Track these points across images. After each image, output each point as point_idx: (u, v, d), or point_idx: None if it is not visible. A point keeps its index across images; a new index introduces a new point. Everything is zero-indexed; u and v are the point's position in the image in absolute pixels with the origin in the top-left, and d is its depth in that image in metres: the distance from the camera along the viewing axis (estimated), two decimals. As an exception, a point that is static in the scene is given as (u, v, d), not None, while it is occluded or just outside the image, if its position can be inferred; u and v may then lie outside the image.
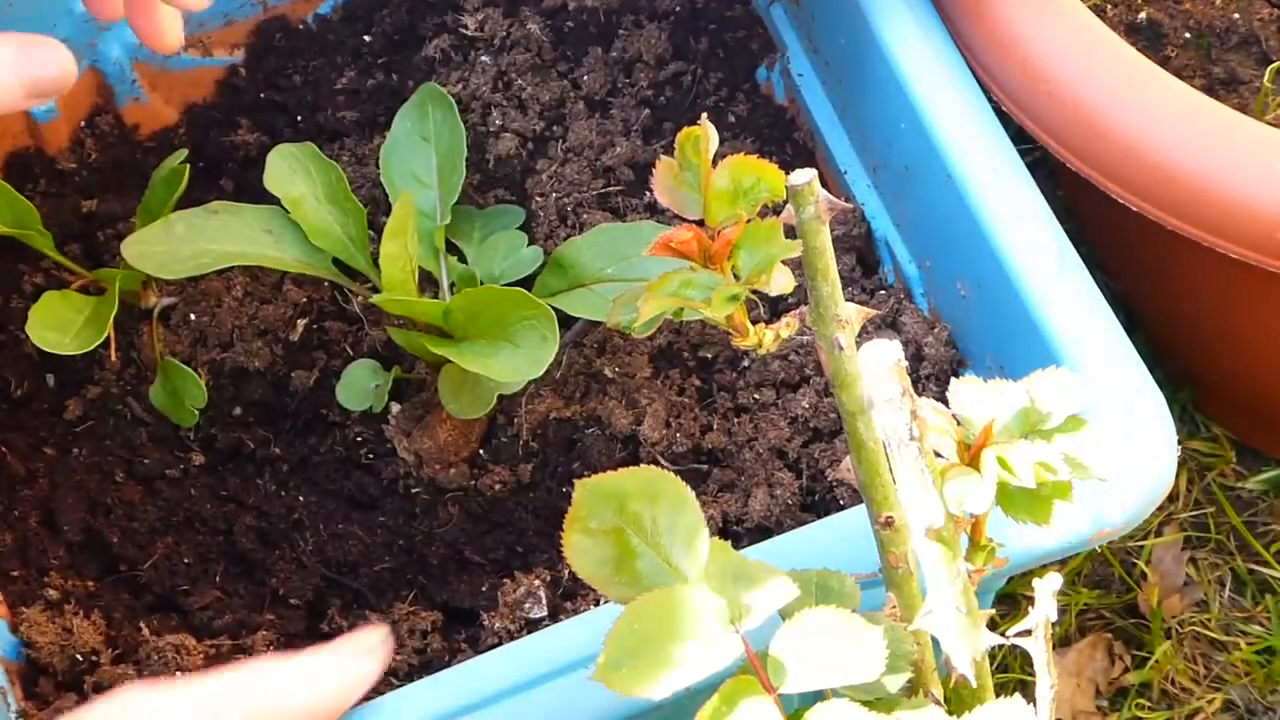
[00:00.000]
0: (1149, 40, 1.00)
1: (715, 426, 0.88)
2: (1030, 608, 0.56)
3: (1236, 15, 1.01)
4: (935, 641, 0.59)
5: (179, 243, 0.87)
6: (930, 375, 0.87)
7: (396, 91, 0.97)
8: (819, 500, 0.85)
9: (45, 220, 0.89)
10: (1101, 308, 0.79)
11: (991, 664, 0.75)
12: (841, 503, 0.84)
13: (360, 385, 0.89)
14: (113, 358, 0.90)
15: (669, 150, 0.60)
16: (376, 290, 0.90)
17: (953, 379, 0.61)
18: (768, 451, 0.86)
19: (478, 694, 0.70)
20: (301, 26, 1.01)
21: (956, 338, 0.88)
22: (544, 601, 0.82)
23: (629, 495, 0.60)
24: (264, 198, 0.91)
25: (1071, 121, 0.87)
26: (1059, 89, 0.87)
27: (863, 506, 0.60)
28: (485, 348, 0.82)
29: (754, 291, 0.58)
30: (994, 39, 0.89)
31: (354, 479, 0.88)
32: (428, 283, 0.90)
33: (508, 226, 0.93)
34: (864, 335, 0.81)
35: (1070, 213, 0.85)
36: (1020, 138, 0.88)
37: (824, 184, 0.56)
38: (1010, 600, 1.05)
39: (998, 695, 0.59)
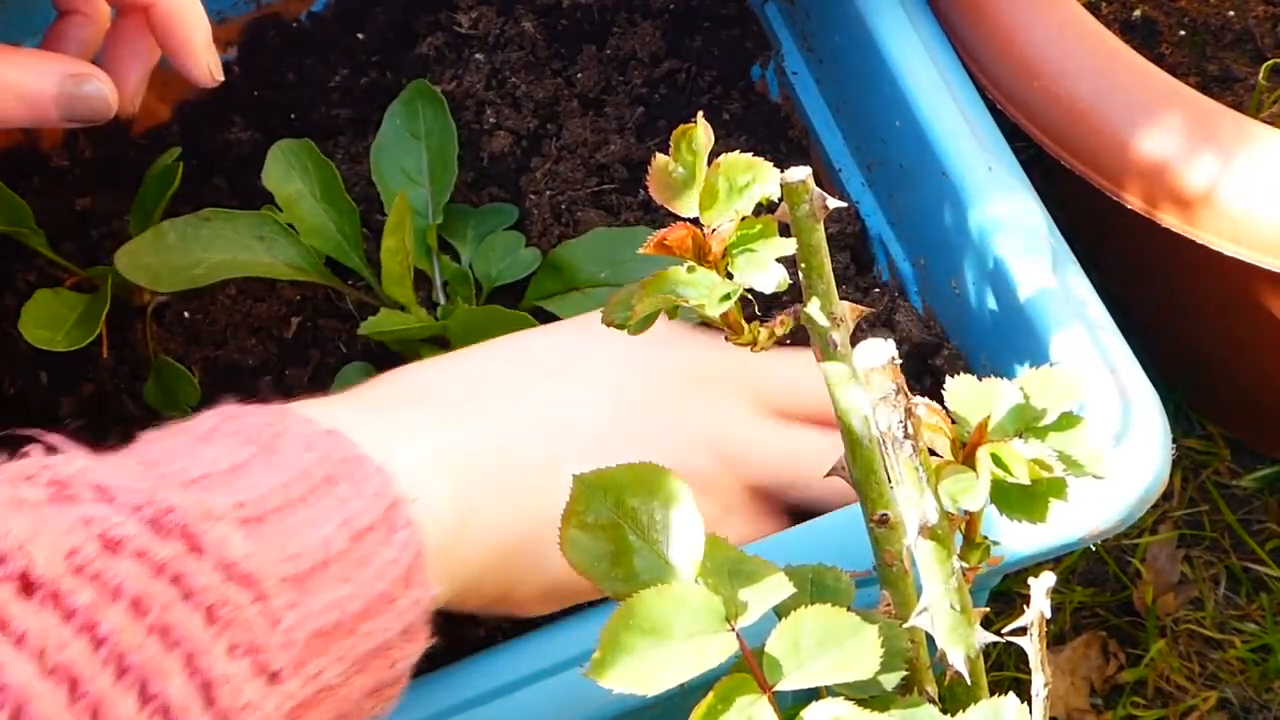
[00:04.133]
0: (1143, 38, 1.00)
1: (710, 424, 0.87)
2: (1025, 606, 0.56)
3: (1231, 12, 1.01)
4: (930, 639, 0.59)
5: (171, 252, 0.87)
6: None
7: (390, 89, 0.97)
8: (813, 498, 0.85)
9: (38, 218, 0.89)
10: (1096, 305, 0.79)
11: (986, 662, 0.75)
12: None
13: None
14: (105, 355, 0.90)
15: (663, 148, 0.60)
16: (369, 289, 0.90)
17: (947, 377, 0.60)
18: (762, 449, 0.86)
19: (471, 692, 0.70)
20: (295, 24, 1.01)
21: (951, 336, 0.88)
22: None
23: (626, 490, 0.60)
24: (258, 195, 0.90)
25: (1066, 119, 0.87)
26: (1054, 86, 0.87)
27: (857, 504, 0.60)
28: None
29: (748, 290, 0.58)
30: (989, 36, 0.89)
31: (348, 477, 0.88)
32: (421, 281, 0.90)
33: (502, 225, 0.93)
34: (858, 333, 0.81)
35: (1065, 210, 0.85)
36: (1015, 135, 0.88)
37: (819, 182, 0.56)
38: (1005, 598, 1.05)
39: (992, 693, 0.59)
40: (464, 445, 0.67)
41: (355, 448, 0.58)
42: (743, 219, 0.58)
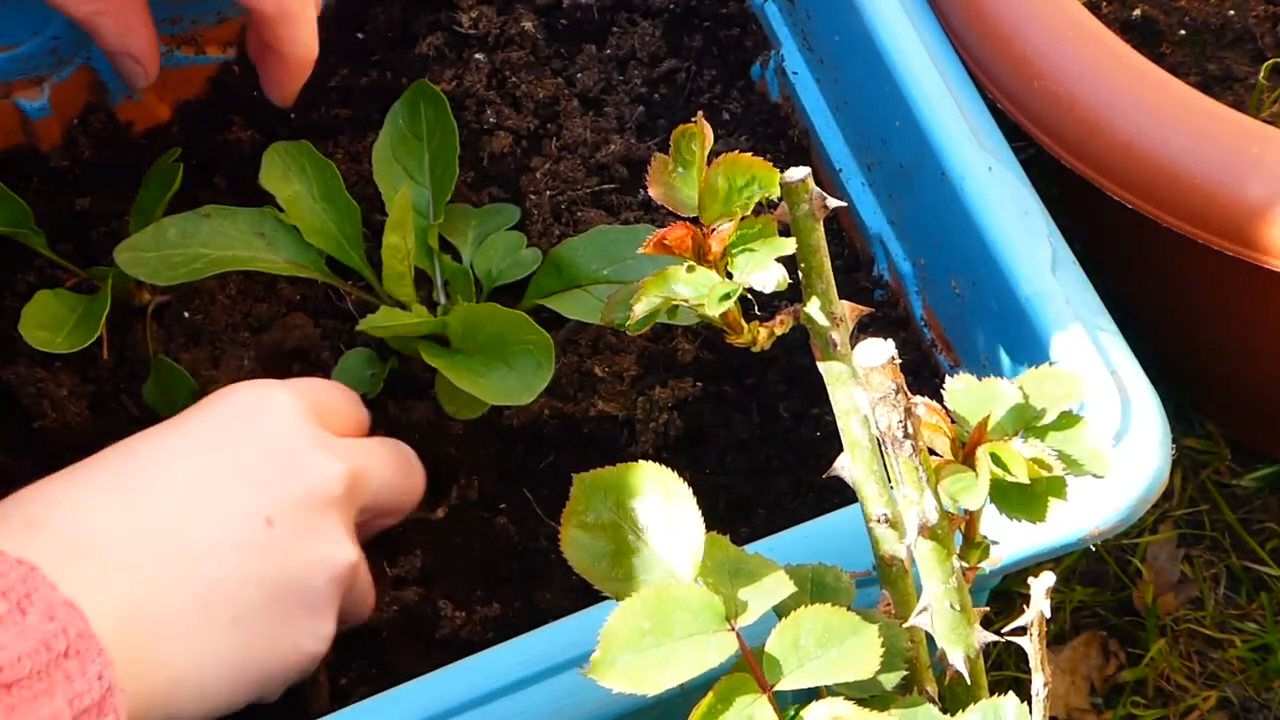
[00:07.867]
0: (1144, 37, 1.00)
1: (710, 424, 0.88)
2: (1025, 605, 0.56)
3: (1231, 12, 1.01)
4: (930, 639, 0.59)
5: (171, 248, 0.87)
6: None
7: (390, 89, 0.97)
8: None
9: (38, 218, 0.89)
10: (1096, 305, 0.79)
11: (986, 661, 0.75)
12: (835, 500, 0.84)
13: (356, 371, 0.89)
14: (105, 356, 0.90)
15: (663, 147, 0.60)
16: (369, 289, 0.90)
17: (947, 376, 0.61)
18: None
19: (472, 692, 0.70)
20: (295, 24, 1.01)
21: (950, 335, 0.88)
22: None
23: (626, 489, 0.60)
24: (258, 195, 0.90)
25: (1066, 119, 0.87)
26: (1054, 86, 0.87)
27: (857, 504, 0.60)
28: (479, 365, 0.82)
29: (748, 289, 0.58)
30: (989, 36, 0.89)
31: (348, 477, 0.88)
32: (422, 281, 0.90)
33: (503, 225, 0.93)
34: (858, 333, 0.81)
35: (1065, 210, 0.85)
36: (1015, 135, 0.88)
37: (818, 182, 0.56)
38: (1005, 598, 1.05)
39: (992, 693, 0.59)
40: (130, 608, 0.69)
41: (85, 624, 0.63)
42: (742, 219, 0.58)
